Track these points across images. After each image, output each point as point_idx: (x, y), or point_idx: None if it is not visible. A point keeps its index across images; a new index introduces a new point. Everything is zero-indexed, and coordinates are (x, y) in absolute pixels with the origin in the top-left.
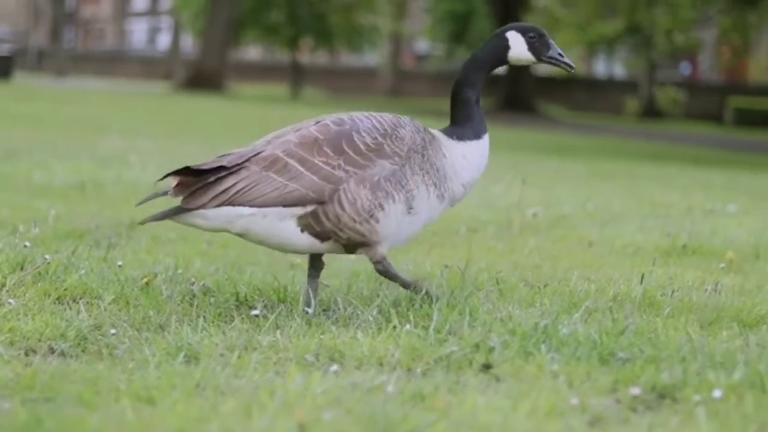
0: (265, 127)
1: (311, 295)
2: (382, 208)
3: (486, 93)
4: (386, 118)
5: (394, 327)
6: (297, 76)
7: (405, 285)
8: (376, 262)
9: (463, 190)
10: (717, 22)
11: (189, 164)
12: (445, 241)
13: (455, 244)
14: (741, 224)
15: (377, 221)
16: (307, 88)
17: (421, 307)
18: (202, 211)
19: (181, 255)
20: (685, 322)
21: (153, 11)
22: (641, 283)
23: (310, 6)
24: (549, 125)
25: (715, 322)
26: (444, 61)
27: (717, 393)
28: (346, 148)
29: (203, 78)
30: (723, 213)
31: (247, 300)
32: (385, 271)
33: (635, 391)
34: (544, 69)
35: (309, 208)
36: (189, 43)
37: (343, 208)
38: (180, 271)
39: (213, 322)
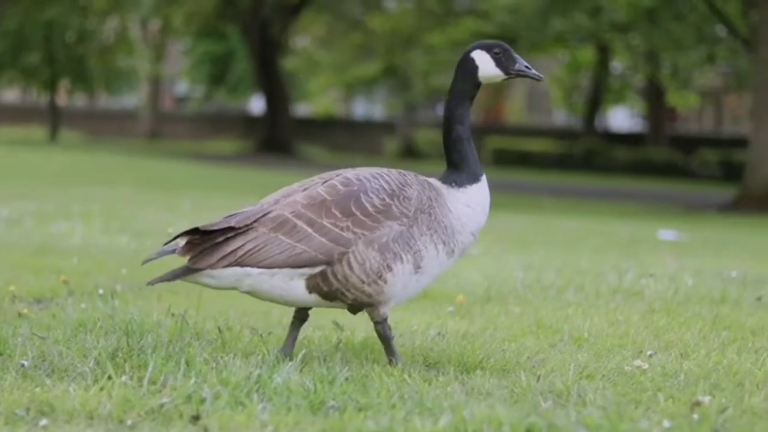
0: (16, 172)
1: (291, 340)
2: (390, 269)
3: (243, 135)
4: (393, 177)
5: (109, 378)
6: (55, 118)
7: (392, 353)
8: (377, 323)
9: (472, 239)
10: None
11: (198, 225)
12: (179, 288)
13: (189, 291)
14: (479, 267)
15: (385, 282)
16: (66, 131)
17: (139, 356)
18: (210, 271)
19: None
20: (401, 369)
21: None
22: (360, 330)
23: (68, 48)
24: (307, 167)
25: (433, 367)
26: (203, 102)
27: None
28: (354, 209)
29: None
30: (466, 255)
31: None
32: (384, 334)
33: None
34: (302, 110)
35: (317, 269)
36: None
37: (351, 270)
38: None
39: None
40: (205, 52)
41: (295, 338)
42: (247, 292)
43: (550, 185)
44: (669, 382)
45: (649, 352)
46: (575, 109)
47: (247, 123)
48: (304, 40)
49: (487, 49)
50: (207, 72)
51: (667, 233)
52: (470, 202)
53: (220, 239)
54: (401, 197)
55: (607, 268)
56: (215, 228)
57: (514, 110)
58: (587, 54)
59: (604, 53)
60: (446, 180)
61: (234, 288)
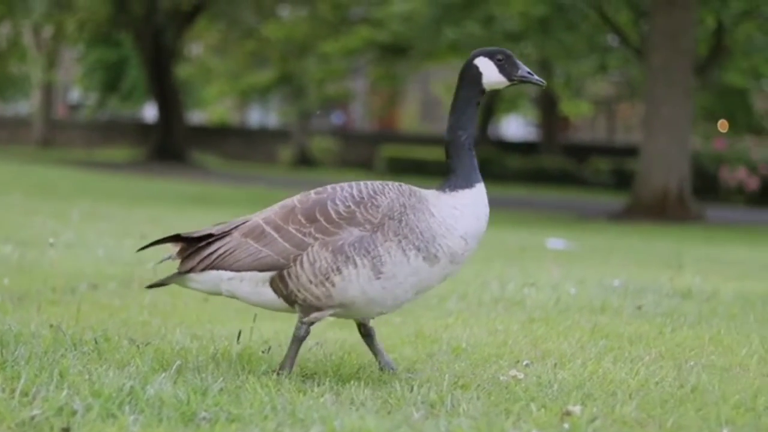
0: None
1: (377, 356)
2: (339, 272)
3: (137, 143)
4: (369, 186)
5: None
6: None
7: (289, 358)
8: (302, 322)
9: (463, 243)
10: (368, 72)
11: (180, 233)
12: (61, 298)
13: (69, 302)
14: None
15: (332, 285)
16: None
17: (13, 368)
18: (192, 274)
19: None
20: (276, 380)
21: None
22: (238, 341)
23: None
24: (200, 175)
25: (309, 378)
26: (96, 110)
27: None
28: (318, 216)
29: None
30: None
31: None
32: (298, 334)
33: None
34: (197, 118)
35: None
36: None
37: (303, 269)
38: None
39: None
40: (98, 59)
41: (377, 351)
42: (230, 296)
43: None
44: (543, 391)
45: (525, 362)
46: None
47: (140, 131)
48: (198, 47)
49: (490, 56)
50: (100, 79)
51: (555, 242)
52: (458, 205)
53: (203, 244)
54: (369, 204)
55: (491, 277)
56: (197, 235)
57: (408, 118)
58: None
59: None
60: (440, 186)
61: (218, 293)
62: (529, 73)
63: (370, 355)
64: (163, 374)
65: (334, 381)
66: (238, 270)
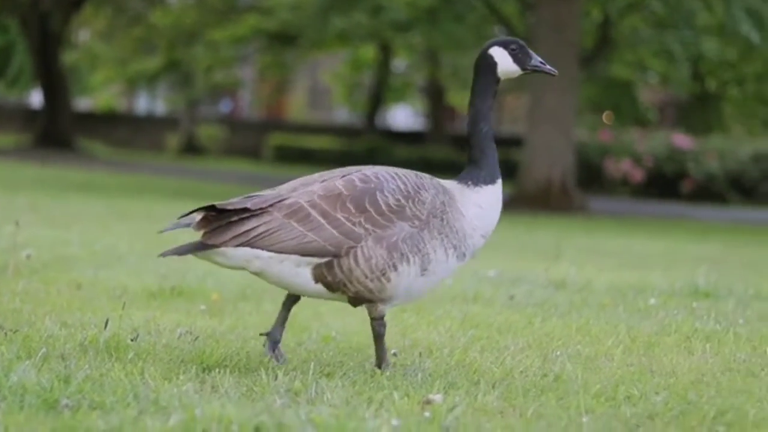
0: None
1: (279, 322)
2: (395, 269)
3: (22, 129)
4: (410, 178)
5: None
6: None
7: (381, 353)
8: (374, 319)
9: (483, 241)
10: (256, 60)
11: (214, 202)
12: None
13: None
14: None
15: (388, 280)
16: None
17: None
18: (223, 249)
19: None
20: (142, 367)
21: None
22: (105, 328)
23: None
24: (86, 162)
25: (176, 366)
26: None
27: None
28: (368, 206)
29: None
30: None
31: None
32: (377, 331)
33: None
34: (83, 105)
35: (325, 259)
36: None
37: (357, 263)
38: None
39: None
40: None
41: (285, 319)
42: (256, 274)
43: None
44: (407, 380)
45: (393, 351)
46: (357, 106)
47: (26, 117)
48: (86, 33)
49: (504, 45)
50: None
51: None
52: (483, 203)
53: (235, 219)
54: (416, 200)
55: None
56: (231, 207)
57: (296, 107)
58: (369, 52)
59: (385, 52)
60: (463, 178)
61: (243, 268)
62: (541, 62)
63: (237, 343)
64: (27, 362)
65: (200, 369)
66: (279, 251)
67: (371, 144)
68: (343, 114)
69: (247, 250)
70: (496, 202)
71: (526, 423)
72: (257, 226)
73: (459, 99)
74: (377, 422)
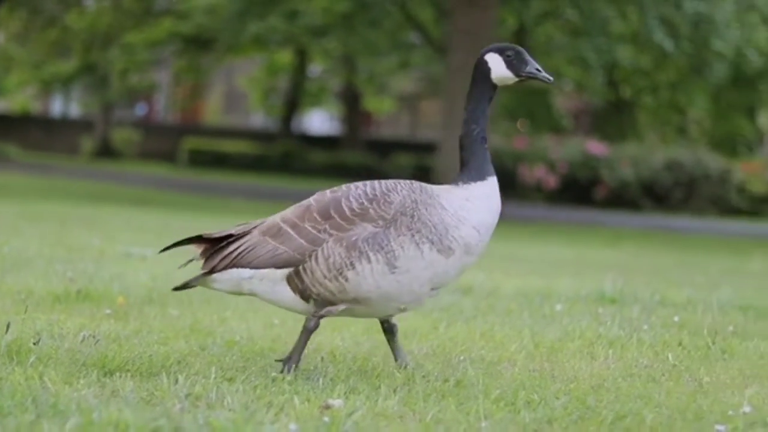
0: None
1: (395, 352)
2: (353, 267)
3: None
4: (383, 184)
5: None
6: None
7: (296, 349)
8: (314, 315)
9: (476, 233)
10: (172, 63)
11: (202, 233)
12: None
13: None
14: (149, 268)
15: (346, 279)
16: None
17: None
18: (215, 274)
19: None
20: (42, 371)
21: None
22: (6, 331)
23: None
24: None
25: (77, 370)
26: None
27: None
28: (333, 213)
29: None
30: (138, 256)
31: None
32: (308, 325)
33: None
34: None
35: (296, 268)
36: None
37: (318, 263)
38: None
39: None
40: None
41: (396, 347)
42: (252, 295)
43: (247, 187)
44: (309, 385)
45: None
46: (272, 111)
47: None
48: (0, 36)
49: (500, 51)
50: None
51: None
52: (470, 197)
53: (224, 244)
54: (381, 201)
55: None
56: (219, 235)
57: (212, 111)
58: (285, 57)
59: (301, 57)
60: (454, 180)
61: (240, 293)
62: (537, 69)
63: (140, 347)
64: None
65: (102, 373)
66: (256, 267)
67: (286, 148)
68: (258, 118)
69: (233, 271)
70: (485, 197)
71: (425, 427)
72: (239, 246)
73: (375, 104)
74: (275, 427)
